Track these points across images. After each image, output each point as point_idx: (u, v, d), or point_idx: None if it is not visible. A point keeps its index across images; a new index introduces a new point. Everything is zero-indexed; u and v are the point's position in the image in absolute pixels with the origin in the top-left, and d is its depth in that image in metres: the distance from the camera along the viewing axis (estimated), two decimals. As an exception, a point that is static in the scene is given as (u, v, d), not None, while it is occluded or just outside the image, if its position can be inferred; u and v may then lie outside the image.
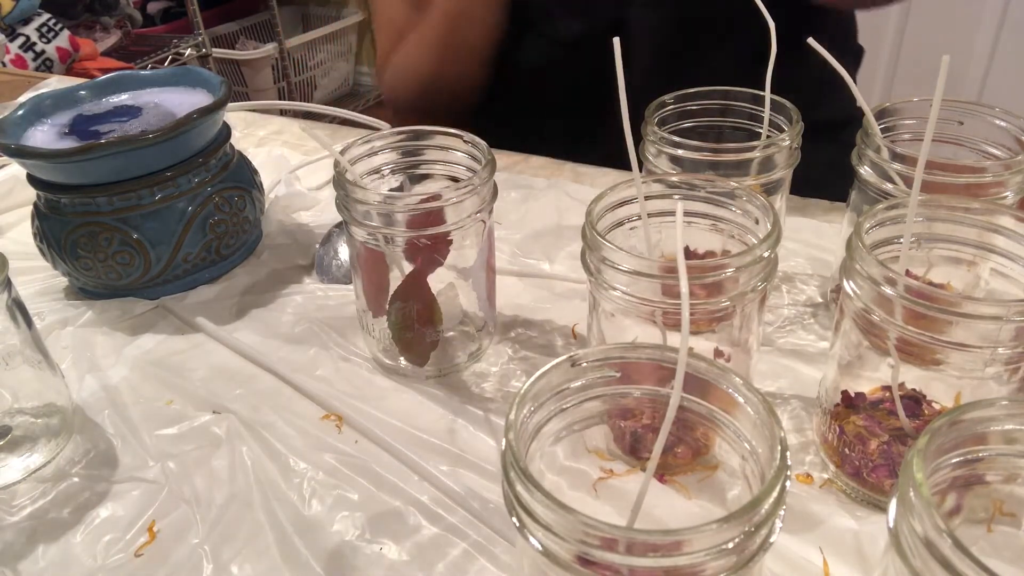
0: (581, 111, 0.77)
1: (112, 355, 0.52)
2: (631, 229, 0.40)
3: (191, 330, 0.54)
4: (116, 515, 0.41)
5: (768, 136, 0.48)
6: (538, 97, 0.81)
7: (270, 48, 2.60)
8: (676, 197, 0.40)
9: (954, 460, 0.27)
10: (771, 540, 0.25)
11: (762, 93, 0.48)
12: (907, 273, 0.34)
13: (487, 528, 0.39)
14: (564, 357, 0.29)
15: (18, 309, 0.43)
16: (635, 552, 0.23)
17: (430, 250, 0.44)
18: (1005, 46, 1.79)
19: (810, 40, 0.43)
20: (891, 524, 0.25)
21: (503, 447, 0.26)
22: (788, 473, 0.25)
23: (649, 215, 0.39)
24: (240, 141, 0.80)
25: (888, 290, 0.34)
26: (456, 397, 0.47)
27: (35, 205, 0.56)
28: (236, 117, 0.83)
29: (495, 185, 0.45)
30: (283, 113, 0.91)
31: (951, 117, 0.47)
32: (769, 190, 0.47)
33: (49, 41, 1.87)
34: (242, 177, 0.59)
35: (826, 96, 0.68)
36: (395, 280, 0.46)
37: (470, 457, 0.43)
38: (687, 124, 0.51)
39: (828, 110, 0.66)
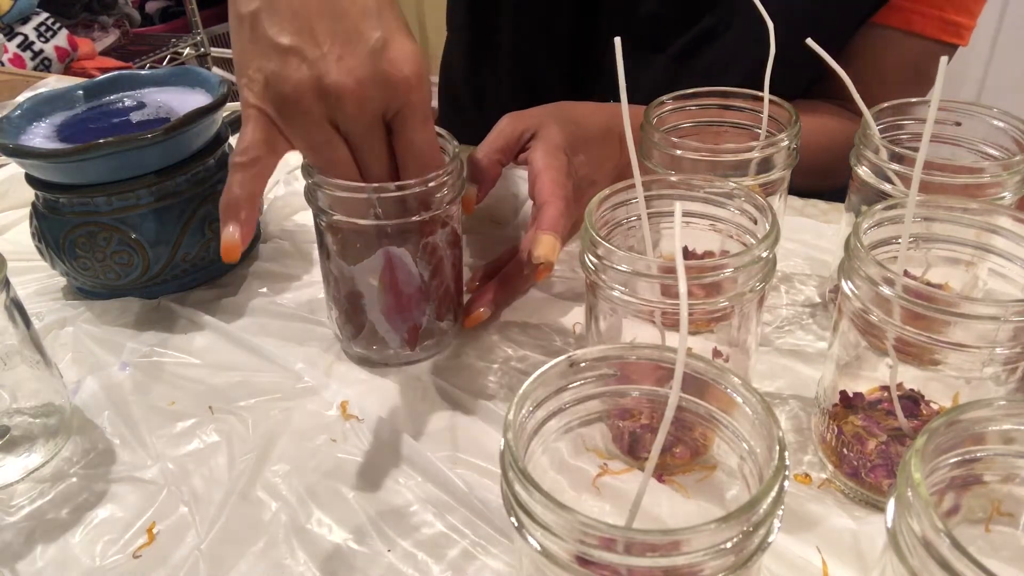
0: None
1: (110, 355, 0.52)
2: (630, 229, 0.40)
3: (190, 330, 0.54)
4: (115, 516, 0.41)
5: (767, 136, 0.48)
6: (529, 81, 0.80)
7: (268, 48, 2.60)
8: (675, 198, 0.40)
9: (952, 460, 0.27)
10: (769, 540, 0.25)
11: (761, 94, 0.48)
12: (905, 273, 0.34)
13: (486, 527, 0.39)
14: (563, 357, 0.29)
15: (16, 309, 0.43)
16: (633, 552, 0.23)
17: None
18: (1003, 47, 1.79)
19: (808, 41, 0.43)
20: (889, 524, 0.25)
21: (502, 447, 0.26)
22: (786, 473, 0.25)
23: (648, 215, 0.39)
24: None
25: (886, 290, 0.34)
26: (455, 396, 0.47)
27: (33, 205, 0.56)
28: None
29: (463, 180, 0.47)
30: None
31: (949, 118, 0.47)
32: (768, 190, 0.47)
33: (47, 40, 1.87)
34: (241, 177, 0.59)
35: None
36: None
37: (469, 456, 0.43)
38: (686, 124, 0.51)
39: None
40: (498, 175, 0.54)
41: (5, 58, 1.79)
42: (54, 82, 0.96)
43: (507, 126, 0.54)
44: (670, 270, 0.34)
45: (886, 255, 0.38)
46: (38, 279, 0.60)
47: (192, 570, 0.37)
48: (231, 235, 0.41)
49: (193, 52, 2.32)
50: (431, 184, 0.44)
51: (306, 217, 0.67)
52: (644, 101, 0.49)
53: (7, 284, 0.41)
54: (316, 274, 0.59)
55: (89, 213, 0.53)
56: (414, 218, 0.44)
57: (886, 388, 0.38)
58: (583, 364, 0.30)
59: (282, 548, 0.39)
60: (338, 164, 0.42)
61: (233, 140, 0.61)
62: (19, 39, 1.83)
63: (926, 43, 0.64)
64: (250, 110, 0.41)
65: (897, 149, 0.43)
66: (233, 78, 0.44)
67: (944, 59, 0.35)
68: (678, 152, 0.45)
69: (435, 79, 0.92)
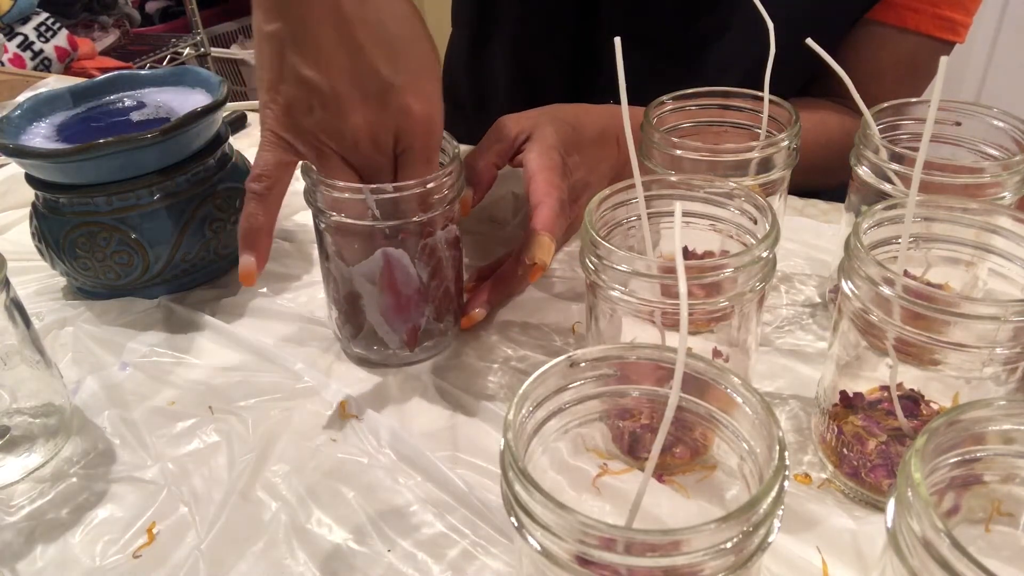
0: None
1: (110, 355, 0.52)
2: (630, 229, 0.40)
3: (190, 330, 0.54)
4: (115, 516, 0.41)
5: (767, 136, 0.48)
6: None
7: (269, 48, 2.59)
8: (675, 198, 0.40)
9: (952, 460, 0.27)
10: (769, 540, 0.25)
11: (761, 94, 0.48)
12: (905, 273, 0.35)
13: (486, 527, 0.39)
14: (563, 357, 0.29)
15: (16, 309, 0.43)
16: (634, 552, 0.23)
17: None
18: (1003, 47, 1.79)
19: (808, 41, 0.43)
20: (889, 524, 0.25)
21: (502, 447, 0.26)
22: (786, 473, 0.25)
23: (648, 215, 0.39)
24: (238, 141, 0.80)
25: (886, 290, 0.34)
26: (455, 396, 0.47)
27: (33, 205, 0.56)
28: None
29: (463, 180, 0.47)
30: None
31: (949, 118, 0.47)
32: (768, 190, 0.47)
33: (47, 40, 1.87)
34: (241, 177, 0.59)
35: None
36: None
37: (469, 456, 0.43)
38: (686, 124, 0.51)
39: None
40: (493, 178, 0.55)
41: (5, 58, 1.79)
42: (54, 82, 0.96)
43: (502, 129, 0.55)
44: (670, 270, 0.34)
45: (886, 255, 0.38)
46: (38, 279, 0.60)
47: (192, 570, 0.37)
48: (249, 262, 0.43)
49: (193, 52, 2.32)
50: (429, 185, 0.44)
51: (306, 217, 0.67)
52: (644, 101, 0.49)
53: (7, 284, 0.41)
54: (316, 274, 0.59)
55: (89, 213, 0.53)
56: (413, 219, 0.44)
57: (886, 388, 0.38)
58: (583, 364, 0.30)
59: (282, 548, 0.39)
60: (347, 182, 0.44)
61: (233, 140, 0.61)
62: (19, 39, 1.83)
63: (921, 40, 0.64)
64: (267, 133, 0.43)
65: (897, 149, 0.43)
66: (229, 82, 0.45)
67: (944, 59, 0.35)
68: (678, 152, 0.45)
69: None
